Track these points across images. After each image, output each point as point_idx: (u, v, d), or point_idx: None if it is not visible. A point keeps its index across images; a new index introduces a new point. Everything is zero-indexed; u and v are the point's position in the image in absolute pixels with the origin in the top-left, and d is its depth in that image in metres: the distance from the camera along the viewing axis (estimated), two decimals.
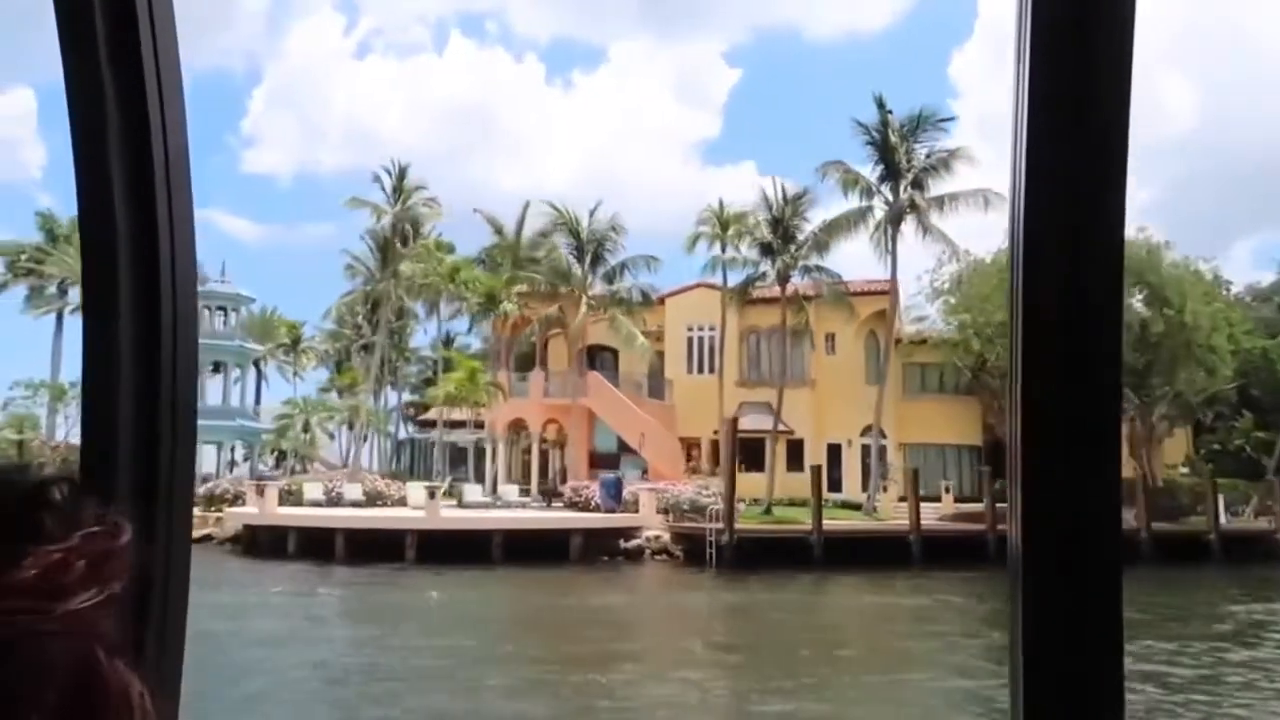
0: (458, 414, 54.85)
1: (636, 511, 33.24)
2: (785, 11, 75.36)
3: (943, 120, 37.94)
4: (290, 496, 37.79)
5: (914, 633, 22.50)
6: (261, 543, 33.49)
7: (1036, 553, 1.06)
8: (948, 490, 42.96)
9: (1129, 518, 32.48)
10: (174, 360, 1.28)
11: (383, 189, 43.61)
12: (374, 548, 30.14)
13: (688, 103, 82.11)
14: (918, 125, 38.13)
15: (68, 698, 0.57)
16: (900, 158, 37.68)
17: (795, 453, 42.77)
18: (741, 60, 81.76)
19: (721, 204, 41.92)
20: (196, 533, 36.92)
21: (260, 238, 77.01)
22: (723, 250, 41.81)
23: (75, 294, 49.68)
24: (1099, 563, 1.05)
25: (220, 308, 55.62)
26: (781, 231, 37.32)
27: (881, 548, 31.82)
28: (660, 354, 45.18)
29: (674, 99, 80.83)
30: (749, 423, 42.60)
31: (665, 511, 33.62)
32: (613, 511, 33.54)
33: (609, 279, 39.49)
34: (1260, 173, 53.50)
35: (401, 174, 42.99)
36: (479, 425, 55.23)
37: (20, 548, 0.56)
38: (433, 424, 57.68)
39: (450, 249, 60.71)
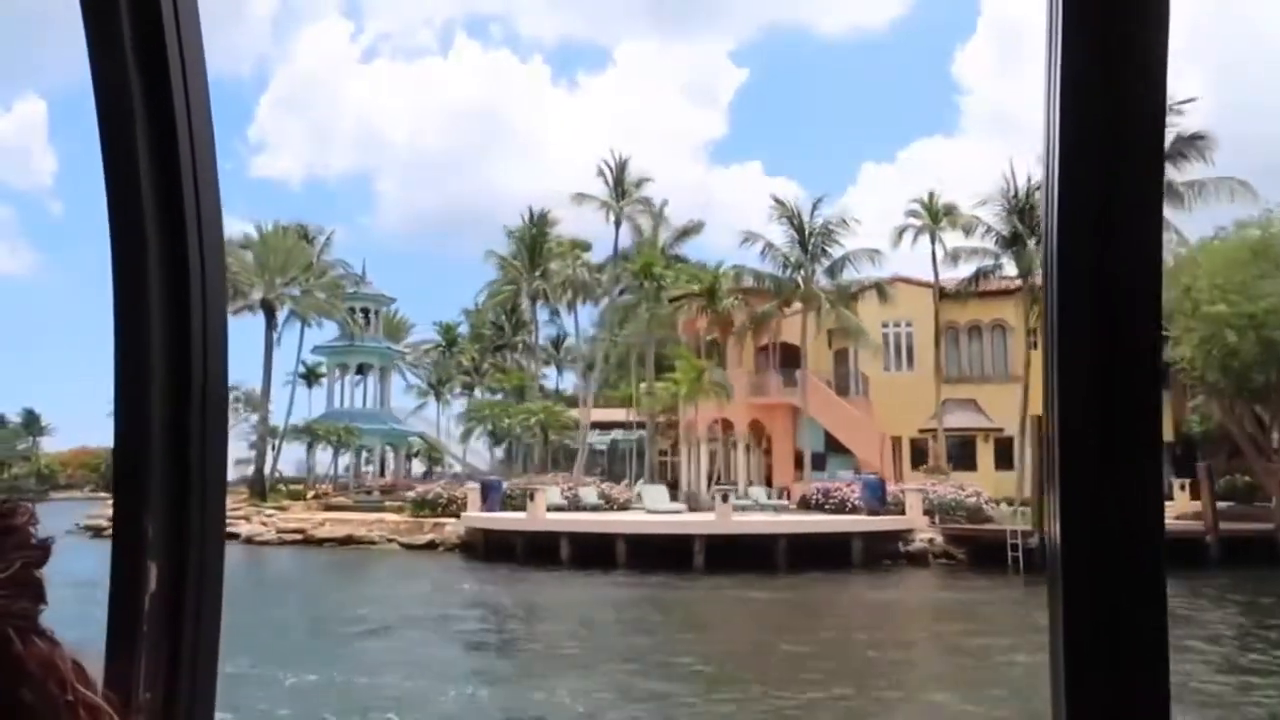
0: (608, 415, 53.77)
1: (903, 514, 31.94)
2: (791, 10, 74.73)
3: (1182, 102, 36.45)
4: (511, 501, 36.62)
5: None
6: (494, 547, 32.37)
7: (1076, 555, 1.02)
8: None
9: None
10: (204, 357, 1.28)
11: (606, 183, 42.09)
12: (656, 554, 28.86)
13: (694, 102, 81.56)
14: None
15: None
16: None
17: (1004, 451, 41.48)
18: (748, 60, 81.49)
19: (932, 195, 40.73)
20: (419, 539, 35.87)
21: None
22: (932, 242, 40.63)
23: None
24: (1141, 565, 1.01)
25: (364, 310, 54.51)
26: (1031, 222, 35.97)
27: None
28: (843, 351, 43.99)
29: (681, 99, 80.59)
30: (953, 420, 41.42)
31: (929, 513, 32.34)
32: (876, 514, 32.26)
33: (831, 273, 38.07)
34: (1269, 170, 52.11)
35: (621, 168, 41.55)
36: (639, 425, 54.10)
37: None
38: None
39: (587, 247, 59.71)
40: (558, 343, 63.07)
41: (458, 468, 57.68)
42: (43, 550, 0.65)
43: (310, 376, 60.15)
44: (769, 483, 41.06)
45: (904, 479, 37.92)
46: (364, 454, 55.87)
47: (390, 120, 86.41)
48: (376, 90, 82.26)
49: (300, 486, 50.00)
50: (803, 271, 37.75)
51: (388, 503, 46.26)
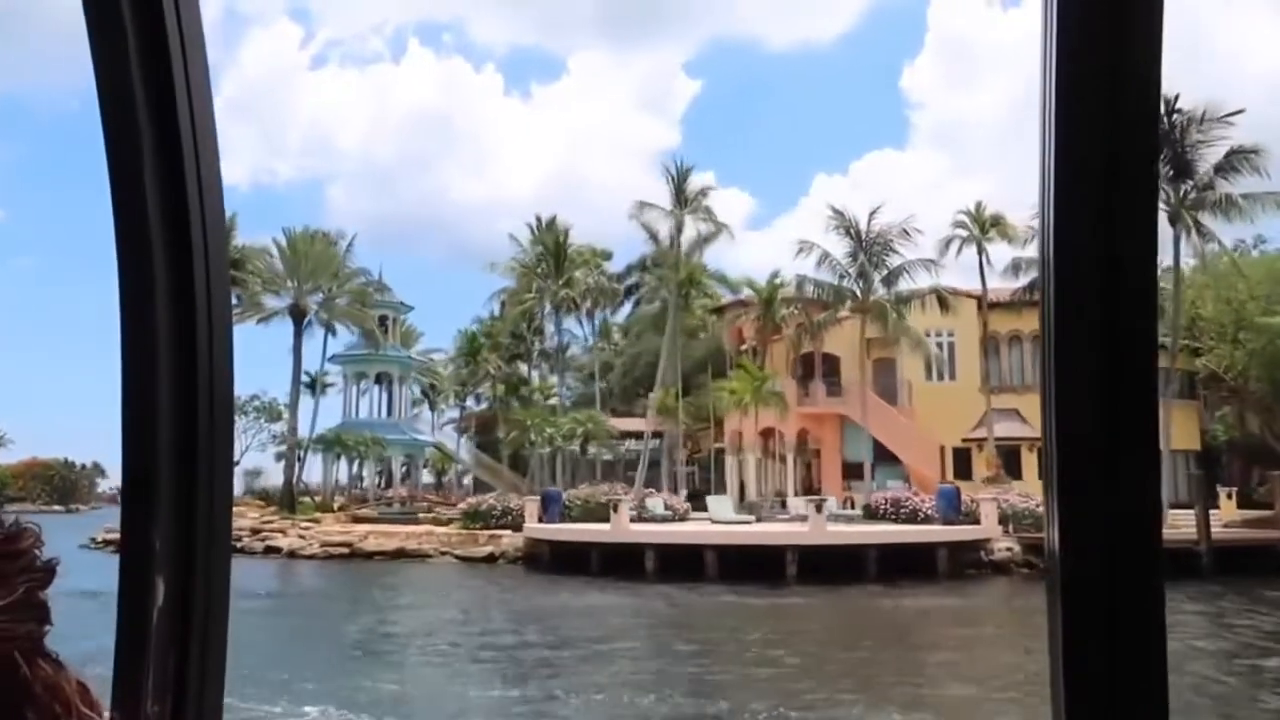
0: (622, 424, 53.20)
1: (977, 523, 31.87)
2: (742, 24, 75.91)
3: (1229, 114, 37.11)
4: (568, 513, 36.00)
5: None
6: (562, 560, 31.70)
7: (1074, 561, 1.03)
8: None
9: None
10: (210, 371, 1.29)
11: (670, 185, 41.50)
12: (746, 564, 28.43)
13: (647, 113, 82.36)
14: (1201, 121, 37.36)
15: None
16: (1193, 156, 36.87)
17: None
18: (700, 71, 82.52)
19: (979, 205, 40.99)
20: (476, 551, 35.05)
21: None
22: (979, 253, 40.89)
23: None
24: (1140, 571, 1.02)
25: (381, 317, 53.44)
26: None
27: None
28: (882, 361, 44.03)
29: (634, 109, 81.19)
30: (998, 430, 41.58)
31: (1003, 522, 32.32)
32: (951, 523, 32.15)
33: (887, 283, 38.06)
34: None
35: (684, 176, 41.11)
36: (656, 435, 53.64)
37: None
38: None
39: (608, 256, 59.29)
40: (561, 351, 62.47)
41: (468, 479, 56.89)
42: (47, 573, 0.65)
43: (315, 385, 58.87)
44: (812, 492, 40.83)
45: (988, 488, 37.81)
46: (375, 465, 54.63)
47: (341, 127, 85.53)
48: (327, 96, 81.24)
49: (319, 498, 48.73)
50: (862, 281, 37.60)
51: (420, 514, 45.32)
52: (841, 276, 38.17)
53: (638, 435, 53.29)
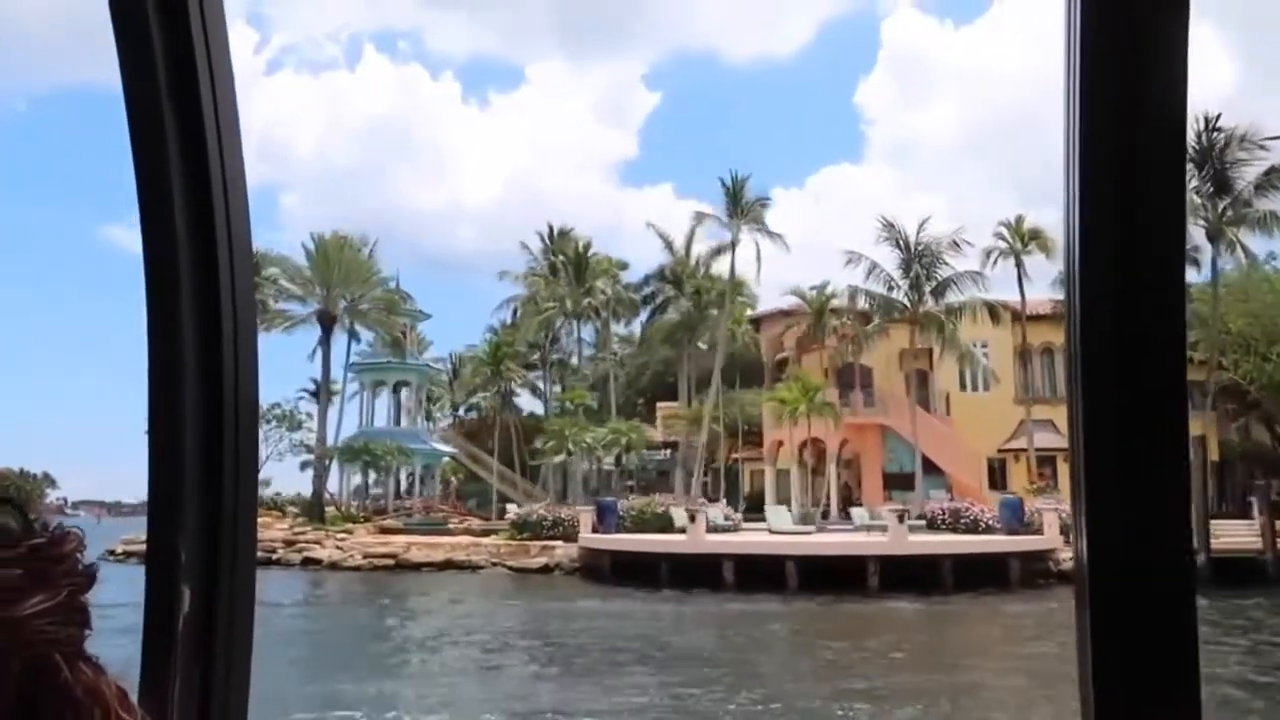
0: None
1: (1041, 533, 32.09)
2: (699, 37, 77.15)
3: (1271, 138, 37.98)
4: (622, 524, 35.62)
5: None
6: (624, 570, 31.34)
7: (1103, 573, 1.03)
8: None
9: None
10: (235, 381, 1.30)
11: (725, 193, 41.28)
12: (828, 575, 28.31)
13: (606, 123, 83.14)
14: (1242, 140, 38.21)
15: (28, 703, 0.60)
16: (1232, 173, 37.71)
17: None
18: (659, 83, 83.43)
19: (1019, 219, 41.43)
20: (530, 562, 34.54)
21: None
22: (1018, 266, 41.32)
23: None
24: (1170, 584, 1.01)
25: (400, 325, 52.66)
26: None
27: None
28: (915, 372, 44.29)
29: (593, 119, 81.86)
30: (1027, 442, 42.00)
31: (1064, 531, 32.56)
32: (1014, 533, 32.35)
33: (935, 294, 38.30)
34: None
35: (739, 185, 40.92)
36: (668, 446, 53.46)
37: None
38: None
39: (624, 266, 59.05)
40: (563, 361, 62.00)
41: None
42: (88, 577, 0.66)
43: (320, 393, 57.82)
44: (852, 503, 40.90)
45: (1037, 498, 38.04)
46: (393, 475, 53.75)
47: (295, 133, 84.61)
48: (281, 103, 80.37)
49: (340, 508, 47.81)
50: (915, 293, 37.81)
51: (451, 524, 44.63)
52: (890, 287, 38.33)
53: (651, 446, 53.14)
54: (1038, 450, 41.60)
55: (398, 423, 54.77)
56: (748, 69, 76.22)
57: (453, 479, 59.71)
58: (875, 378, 44.54)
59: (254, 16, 74.65)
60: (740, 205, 40.86)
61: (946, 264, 37.75)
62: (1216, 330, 38.87)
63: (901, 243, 37.78)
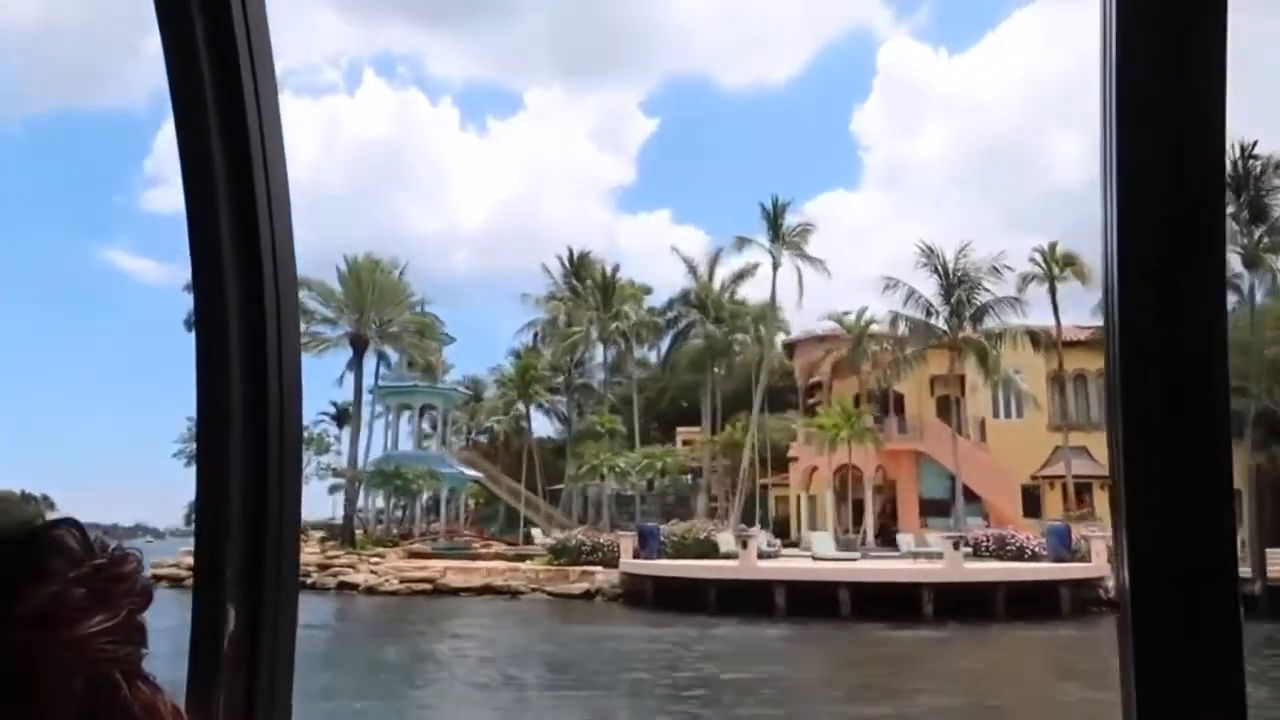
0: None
1: (1088, 561, 31.89)
2: (697, 63, 77.92)
3: None
4: (663, 549, 35.43)
5: None
6: (668, 596, 31.10)
7: (1145, 600, 1.02)
8: None
9: None
10: (280, 403, 1.34)
11: (765, 218, 41.33)
12: (881, 602, 28.11)
13: (603, 150, 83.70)
14: (1276, 168, 38.35)
15: (90, 719, 0.62)
16: (1269, 201, 37.84)
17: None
18: (656, 110, 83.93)
19: (1052, 246, 41.51)
20: (570, 588, 34.29)
21: (163, 278, 74.54)
22: (1052, 292, 41.35)
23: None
24: (1214, 610, 1.00)
25: None
26: None
27: None
28: (945, 398, 44.24)
29: (590, 146, 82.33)
30: (1064, 469, 41.88)
31: (1111, 560, 32.37)
32: (1061, 560, 32.17)
33: (974, 320, 38.31)
34: None
35: (779, 211, 40.94)
36: (686, 472, 53.17)
37: (24, 585, 0.62)
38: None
39: (648, 290, 59.12)
40: (587, 385, 61.88)
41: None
42: (146, 596, 0.68)
43: (343, 417, 57.67)
44: (888, 530, 40.73)
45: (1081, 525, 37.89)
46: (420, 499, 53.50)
47: (293, 156, 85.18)
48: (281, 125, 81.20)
49: (368, 532, 47.56)
50: (956, 319, 37.82)
51: (480, 548, 44.39)
52: (929, 313, 38.34)
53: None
54: (1077, 477, 41.53)
55: (419, 445, 54.65)
56: (745, 95, 76.94)
57: (471, 503, 59.57)
58: (906, 404, 44.52)
59: None
60: (780, 231, 40.90)
61: (987, 290, 37.75)
62: (1253, 357, 38.81)
63: (940, 268, 37.79)
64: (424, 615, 31.72)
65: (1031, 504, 42.86)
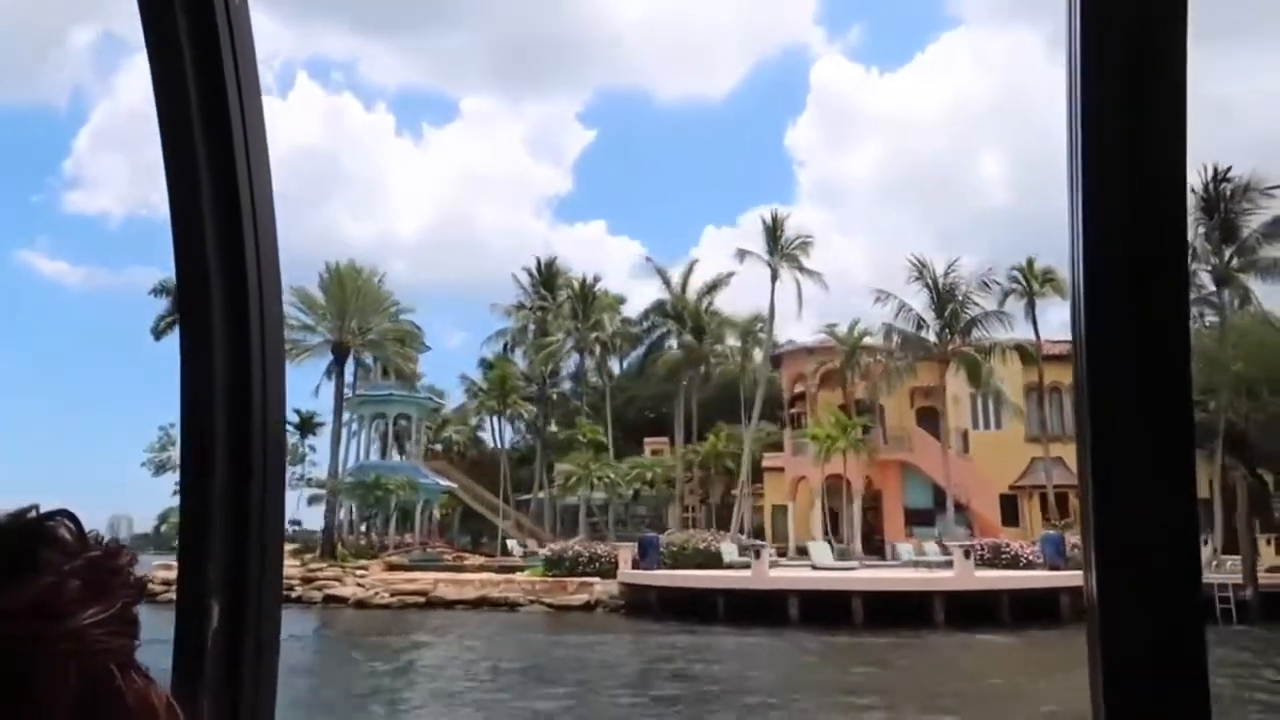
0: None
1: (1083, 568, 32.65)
2: (633, 76, 79.10)
3: (1272, 187, 39.74)
4: (662, 558, 35.36)
5: None
6: (673, 607, 31.07)
7: (1113, 607, 1.05)
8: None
9: None
10: (264, 408, 1.37)
11: (765, 232, 41.51)
12: (893, 610, 28.45)
13: (540, 160, 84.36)
14: (1245, 190, 39.91)
15: (84, 712, 0.63)
16: (1239, 222, 39.34)
17: None
18: (593, 121, 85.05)
19: (1030, 262, 42.56)
20: (570, 600, 34.01)
21: (80, 281, 72.76)
22: (1031, 306, 42.39)
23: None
24: (1179, 616, 1.03)
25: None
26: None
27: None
28: (925, 409, 45.04)
29: (526, 154, 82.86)
30: (1043, 479, 42.91)
31: None
32: (1056, 569, 32.89)
33: (963, 333, 39.10)
34: (1066, 246, 57.50)
35: (779, 225, 41.19)
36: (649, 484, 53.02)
37: (20, 576, 0.63)
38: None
39: (622, 300, 59.11)
40: (543, 395, 61.55)
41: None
42: (139, 589, 0.70)
43: (305, 425, 56.43)
44: (874, 539, 41.29)
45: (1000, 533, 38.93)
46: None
47: None
48: None
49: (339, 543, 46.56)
50: (949, 331, 38.55)
51: (449, 560, 43.74)
52: (919, 326, 39.02)
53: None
54: (1057, 486, 42.55)
55: (383, 455, 53.71)
56: (682, 109, 77.82)
57: (436, 514, 58.76)
58: (887, 416, 45.19)
59: None
60: (780, 244, 41.30)
61: (976, 304, 38.58)
62: (1220, 371, 40.25)
63: (931, 282, 38.52)
64: (427, 627, 31.17)
65: (1010, 513, 43.84)
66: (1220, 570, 31.82)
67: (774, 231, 41.71)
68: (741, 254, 42.90)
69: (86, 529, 0.68)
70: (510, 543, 48.28)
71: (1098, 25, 1.08)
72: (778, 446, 47.02)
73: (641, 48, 74.30)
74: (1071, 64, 1.09)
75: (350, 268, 44.40)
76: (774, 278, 42.21)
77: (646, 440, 57.46)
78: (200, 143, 1.36)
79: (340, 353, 44.01)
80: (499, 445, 59.52)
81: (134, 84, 76.57)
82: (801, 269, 42.11)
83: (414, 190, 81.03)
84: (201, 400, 1.31)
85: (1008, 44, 63.58)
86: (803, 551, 38.41)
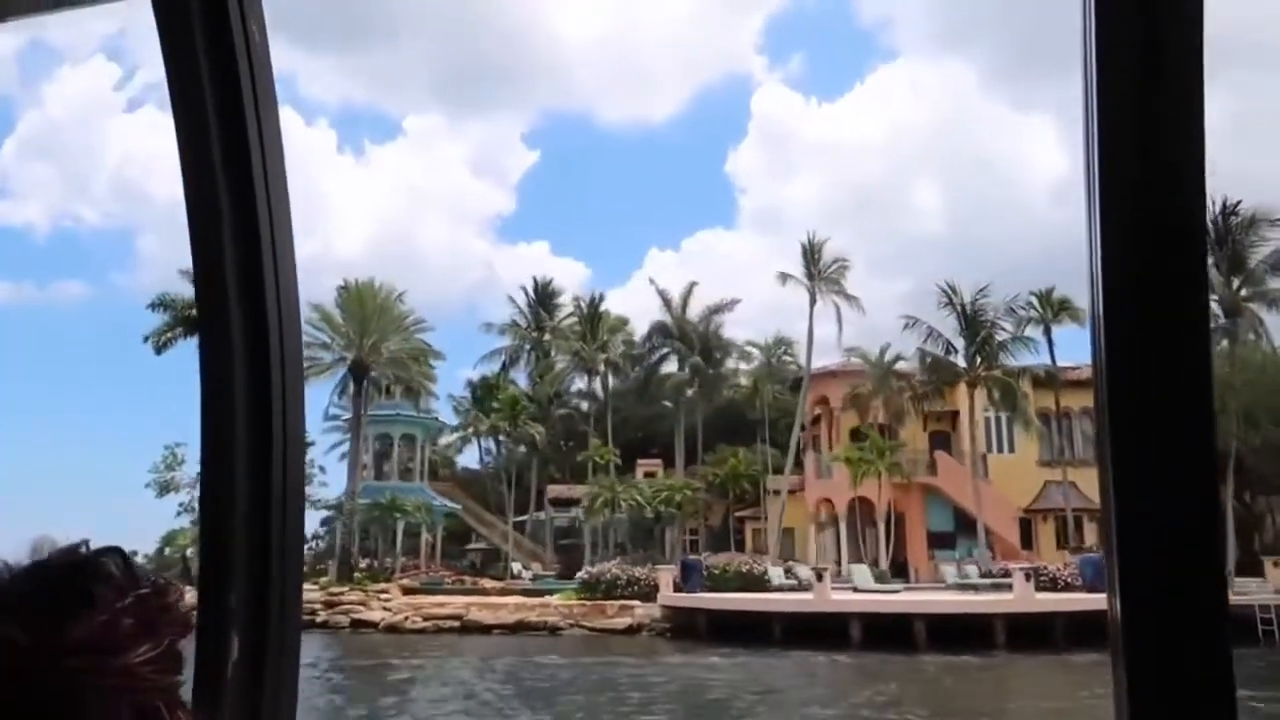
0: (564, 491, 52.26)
1: None
2: (577, 98, 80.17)
3: (1278, 220, 41.22)
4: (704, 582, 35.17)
5: None
6: (721, 630, 30.97)
7: (1137, 631, 1.06)
8: None
9: None
10: (285, 439, 1.39)
11: (804, 254, 41.68)
12: (954, 633, 28.66)
13: (483, 179, 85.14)
14: (1252, 223, 41.35)
15: None
16: (1246, 255, 40.72)
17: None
18: (537, 142, 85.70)
19: (1049, 292, 43.48)
20: (612, 623, 33.65)
21: (3, 296, 70.94)
22: (1047, 333, 43.28)
23: None
24: (1204, 639, 1.02)
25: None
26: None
27: None
28: (937, 433, 45.66)
29: (470, 174, 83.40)
30: (1059, 501, 43.67)
31: None
32: (1097, 590, 33.40)
33: (991, 358, 39.81)
34: (998, 275, 56.21)
35: (818, 248, 41.39)
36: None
37: (76, 613, 0.65)
38: (567, 503, 54.85)
39: (625, 321, 59.02)
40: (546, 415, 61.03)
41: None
42: (186, 626, 0.72)
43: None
44: (898, 562, 41.61)
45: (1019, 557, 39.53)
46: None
47: (156, 174, 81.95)
48: (141, 141, 77.35)
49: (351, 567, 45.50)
50: (980, 357, 39.19)
51: (485, 583, 43.06)
52: (947, 350, 39.63)
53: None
54: (1073, 511, 43.30)
55: (378, 476, 52.75)
56: (625, 132, 77.96)
57: (428, 536, 57.80)
58: (902, 439, 45.68)
59: (116, 50, 71.15)
60: (818, 268, 41.66)
61: (1004, 329, 39.32)
62: (1230, 399, 41.50)
63: (960, 307, 39.18)
64: (483, 652, 30.54)
65: (1024, 537, 44.49)
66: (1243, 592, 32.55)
67: (811, 254, 42.08)
68: (784, 277, 43.18)
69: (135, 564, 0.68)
70: (515, 565, 47.66)
71: (1111, 46, 1.07)
72: (779, 470, 47.16)
73: (585, 70, 74.74)
74: (1088, 83, 1.08)
75: (369, 285, 43.68)
76: (812, 301, 42.58)
77: (639, 461, 57.24)
78: (220, 174, 1.38)
79: (360, 372, 43.17)
80: (485, 465, 59.12)
81: (62, 93, 74.33)
82: (842, 293, 42.51)
83: (355, 207, 79.87)
84: (223, 429, 1.30)
85: (942, 76, 65.32)
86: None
